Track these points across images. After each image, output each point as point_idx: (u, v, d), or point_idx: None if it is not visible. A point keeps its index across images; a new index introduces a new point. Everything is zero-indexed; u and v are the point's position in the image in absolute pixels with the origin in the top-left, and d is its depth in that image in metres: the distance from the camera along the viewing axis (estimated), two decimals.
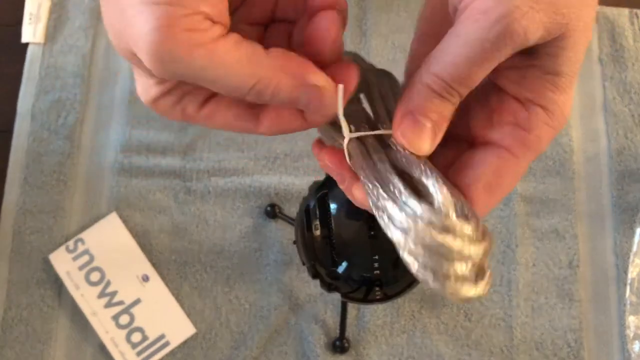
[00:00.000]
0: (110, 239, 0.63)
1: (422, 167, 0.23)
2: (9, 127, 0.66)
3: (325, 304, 0.62)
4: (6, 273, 0.62)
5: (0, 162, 0.65)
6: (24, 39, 0.68)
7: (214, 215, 0.64)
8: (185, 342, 0.61)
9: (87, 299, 0.61)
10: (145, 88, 0.24)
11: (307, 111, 0.24)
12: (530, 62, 0.22)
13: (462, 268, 0.21)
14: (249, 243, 0.64)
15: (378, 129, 0.25)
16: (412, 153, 0.23)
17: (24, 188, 0.64)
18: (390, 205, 0.22)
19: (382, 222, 0.23)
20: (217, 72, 0.21)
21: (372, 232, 0.43)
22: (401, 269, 0.44)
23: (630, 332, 0.61)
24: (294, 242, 0.47)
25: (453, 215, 0.21)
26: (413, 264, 0.22)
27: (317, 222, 0.43)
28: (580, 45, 0.22)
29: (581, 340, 0.61)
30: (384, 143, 0.24)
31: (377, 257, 0.42)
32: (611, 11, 0.70)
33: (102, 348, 0.61)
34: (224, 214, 0.64)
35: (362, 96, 0.27)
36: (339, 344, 0.60)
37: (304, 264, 0.45)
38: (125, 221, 0.64)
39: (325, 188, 0.44)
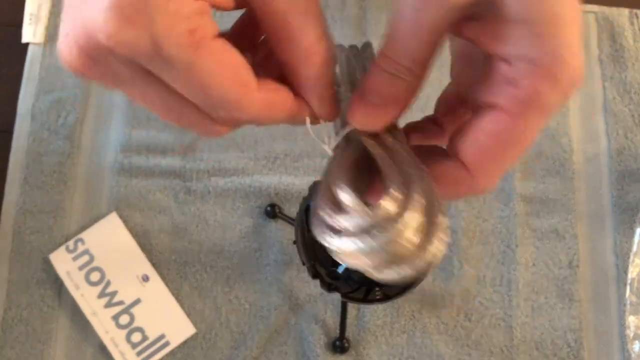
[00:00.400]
0: (110, 239, 0.63)
1: (372, 150, 0.24)
2: (9, 127, 0.66)
3: (325, 304, 0.62)
4: (6, 273, 0.62)
5: (0, 162, 0.65)
6: (24, 39, 0.69)
7: (214, 215, 0.64)
8: (185, 342, 0.61)
9: (87, 299, 0.61)
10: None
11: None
12: (499, 18, 0.21)
13: (407, 244, 0.21)
14: (249, 243, 0.64)
15: None
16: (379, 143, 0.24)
17: (24, 188, 0.64)
18: (330, 239, 0.23)
19: (337, 259, 0.23)
20: (195, 68, 0.19)
21: None
22: None
23: (630, 332, 0.61)
24: (294, 242, 0.47)
25: (365, 212, 0.21)
26: (372, 273, 0.22)
27: None
28: None
29: (581, 340, 0.61)
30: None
31: None
32: (611, 11, 0.70)
33: (102, 348, 0.61)
34: (224, 214, 0.64)
35: None
36: (339, 344, 0.60)
37: (304, 264, 0.45)
38: (125, 221, 0.64)
39: None
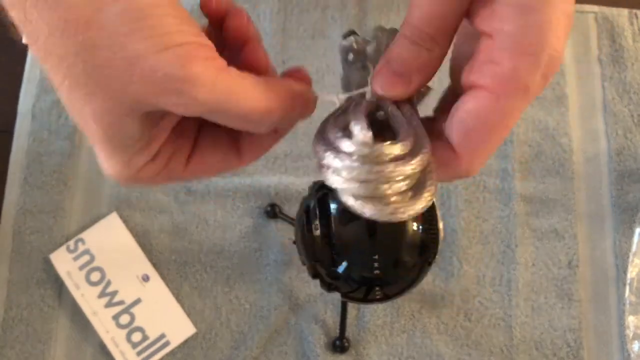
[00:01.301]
0: (110, 239, 0.63)
1: (391, 110, 0.25)
2: (10, 128, 0.66)
3: (325, 304, 0.62)
4: (6, 273, 0.62)
5: (1, 163, 0.65)
6: (24, 40, 0.68)
7: (214, 216, 0.64)
8: (185, 342, 0.61)
9: (87, 298, 0.61)
10: (124, 162, 0.24)
11: (289, 124, 0.27)
12: None
13: (396, 187, 0.22)
14: (249, 243, 0.64)
15: None
16: (394, 102, 0.25)
17: (24, 188, 0.64)
18: (328, 155, 0.23)
19: (325, 178, 0.24)
20: (238, 95, 0.22)
21: (372, 232, 0.43)
22: (401, 269, 0.44)
23: (629, 332, 0.61)
24: (294, 242, 0.47)
25: (376, 144, 0.22)
26: (351, 201, 0.23)
27: (317, 222, 0.43)
28: None
29: (581, 340, 0.61)
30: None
31: (377, 256, 0.42)
32: (610, 11, 0.71)
33: (102, 348, 0.61)
34: (224, 214, 0.64)
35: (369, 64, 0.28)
36: (339, 344, 0.60)
37: (304, 264, 0.45)
38: (125, 221, 0.64)
39: (325, 188, 0.44)
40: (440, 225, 0.44)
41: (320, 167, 0.24)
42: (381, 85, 0.24)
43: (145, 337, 0.61)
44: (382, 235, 0.43)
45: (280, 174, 0.65)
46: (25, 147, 0.66)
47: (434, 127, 0.25)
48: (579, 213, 0.65)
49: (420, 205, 0.23)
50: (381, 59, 0.25)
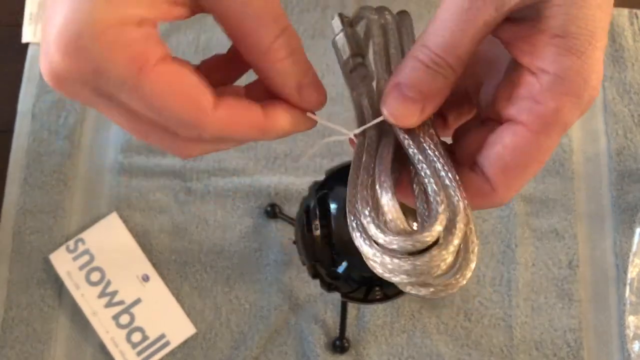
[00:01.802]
0: (110, 239, 0.63)
1: (416, 153, 0.23)
2: (10, 127, 0.66)
3: (325, 304, 0.62)
4: (6, 273, 0.62)
5: (1, 162, 0.65)
6: (24, 39, 0.69)
7: (214, 216, 0.64)
8: (185, 342, 0.61)
9: (87, 298, 0.61)
10: (100, 4, 0.19)
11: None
12: (537, 28, 0.21)
13: (442, 269, 0.21)
14: (249, 243, 0.64)
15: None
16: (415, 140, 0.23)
17: (24, 188, 0.64)
18: (357, 237, 0.22)
19: (365, 259, 0.22)
20: (142, 92, 0.20)
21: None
22: None
23: (629, 332, 0.61)
24: (294, 242, 0.47)
25: (410, 234, 0.21)
26: (404, 287, 0.22)
27: (317, 222, 0.43)
28: (588, 1, 0.20)
29: (581, 340, 0.61)
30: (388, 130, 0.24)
31: None
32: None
33: (102, 348, 0.61)
34: (224, 214, 0.64)
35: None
36: (339, 344, 0.60)
37: (304, 264, 0.45)
38: (125, 221, 0.64)
39: (325, 188, 0.44)
40: None
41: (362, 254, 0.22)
42: (393, 112, 0.23)
43: (145, 337, 0.61)
44: None
45: (280, 174, 0.65)
46: (25, 147, 0.66)
47: (458, 154, 0.24)
48: (579, 213, 0.65)
49: (469, 273, 0.22)
50: (389, 81, 0.23)
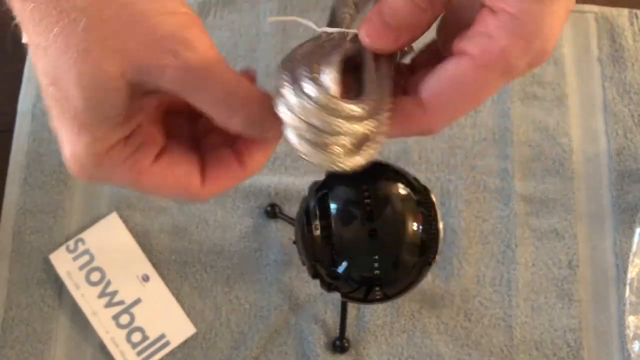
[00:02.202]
0: (110, 239, 0.63)
1: (368, 62, 0.25)
2: (10, 127, 0.66)
3: (325, 304, 0.62)
4: (6, 273, 0.62)
5: (1, 162, 0.65)
6: (24, 39, 0.68)
7: (214, 216, 0.64)
8: (185, 342, 0.61)
9: (87, 298, 0.61)
10: (96, 138, 0.24)
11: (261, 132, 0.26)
12: None
13: (340, 142, 0.23)
14: (249, 243, 0.64)
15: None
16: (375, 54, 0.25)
17: (24, 188, 0.64)
18: (287, 90, 0.24)
19: (275, 105, 0.24)
20: (225, 71, 0.23)
21: (372, 232, 0.43)
22: (401, 269, 0.44)
23: (629, 332, 0.61)
24: (294, 242, 0.47)
25: (339, 99, 0.23)
26: (293, 138, 0.23)
27: (317, 222, 0.43)
28: None
29: (581, 340, 0.61)
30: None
31: (377, 257, 0.43)
32: (610, 11, 0.71)
33: (102, 348, 0.61)
34: (224, 214, 0.64)
35: None
36: (339, 344, 0.60)
37: (304, 264, 0.45)
38: (125, 221, 0.64)
39: (325, 188, 0.44)
40: (440, 225, 0.44)
41: (276, 93, 0.24)
42: (369, 34, 0.24)
43: (145, 337, 0.61)
44: (382, 235, 0.43)
45: (280, 174, 0.65)
46: (25, 147, 0.66)
47: (407, 80, 0.26)
48: (579, 213, 0.65)
49: (359, 161, 0.23)
50: (373, 7, 0.24)
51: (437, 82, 0.23)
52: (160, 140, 0.26)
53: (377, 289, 0.43)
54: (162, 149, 0.26)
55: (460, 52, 0.23)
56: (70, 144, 0.24)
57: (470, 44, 0.23)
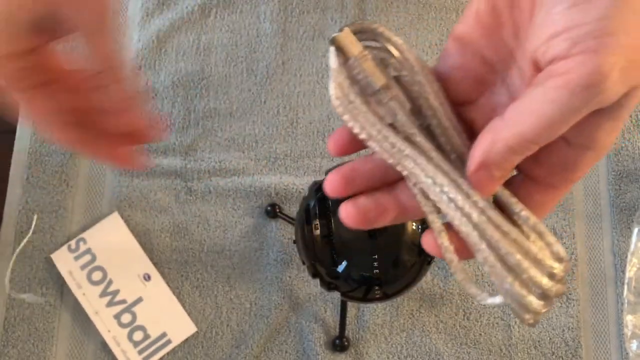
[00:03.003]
0: (111, 239, 0.64)
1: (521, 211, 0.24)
2: (12, 128, 0.67)
3: (325, 303, 0.62)
4: (8, 272, 0.62)
5: (3, 162, 0.66)
6: None
7: (215, 215, 0.65)
8: (186, 341, 0.61)
9: (89, 298, 0.62)
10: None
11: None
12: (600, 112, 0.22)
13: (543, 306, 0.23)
14: (249, 242, 0.64)
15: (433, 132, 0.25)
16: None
17: (26, 188, 0.65)
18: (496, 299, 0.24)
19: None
20: None
21: (372, 232, 0.43)
22: (401, 268, 0.44)
23: (627, 331, 0.61)
24: (294, 242, 0.47)
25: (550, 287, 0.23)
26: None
27: (317, 222, 0.44)
28: None
29: (579, 339, 0.62)
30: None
31: (376, 256, 0.43)
32: None
33: (103, 346, 0.61)
34: (224, 214, 0.65)
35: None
36: (339, 343, 0.60)
37: (304, 263, 0.46)
38: (126, 221, 0.64)
39: None
40: None
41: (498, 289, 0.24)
42: (480, 185, 0.24)
43: (146, 336, 0.61)
44: (381, 235, 0.43)
45: (280, 174, 0.66)
46: (27, 147, 0.66)
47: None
48: (577, 212, 0.65)
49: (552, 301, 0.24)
50: (475, 152, 0.23)
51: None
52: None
53: (376, 288, 0.44)
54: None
55: (539, 180, 0.25)
56: None
57: (551, 175, 0.24)
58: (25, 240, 0.63)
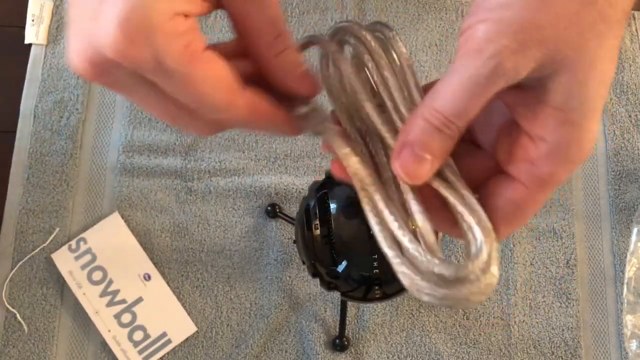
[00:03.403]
0: (112, 239, 0.64)
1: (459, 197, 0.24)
2: (12, 128, 0.67)
3: (325, 303, 0.62)
4: (9, 272, 0.63)
5: (3, 163, 0.66)
6: (26, 40, 0.69)
7: (215, 215, 0.65)
8: (186, 341, 0.62)
9: (89, 297, 0.62)
10: (149, 3, 0.21)
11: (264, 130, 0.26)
12: (540, 99, 0.23)
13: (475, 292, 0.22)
14: (249, 242, 0.64)
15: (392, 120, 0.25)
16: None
17: (27, 188, 0.65)
18: (401, 266, 0.23)
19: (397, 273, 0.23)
20: (191, 78, 0.22)
21: (372, 232, 0.43)
22: None
23: (627, 331, 0.61)
24: (294, 242, 0.47)
25: (476, 265, 0.22)
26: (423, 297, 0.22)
27: (317, 222, 0.44)
28: (591, 80, 0.22)
29: (578, 339, 0.62)
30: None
31: (376, 256, 0.43)
32: None
33: (104, 346, 0.61)
34: (224, 214, 0.65)
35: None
36: (339, 343, 0.61)
37: (304, 263, 0.46)
38: (127, 221, 0.64)
39: (325, 188, 0.45)
40: None
41: (391, 262, 0.23)
42: (406, 169, 0.24)
43: (146, 336, 0.61)
44: None
45: (280, 174, 0.66)
46: (28, 147, 0.66)
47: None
48: (576, 213, 0.66)
49: (485, 290, 0.22)
50: (399, 137, 0.24)
51: (497, 209, 0.24)
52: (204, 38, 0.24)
53: (376, 287, 0.44)
54: (209, 46, 0.24)
55: (511, 177, 0.24)
56: (121, 4, 0.20)
57: (517, 171, 0.24)
58: (28, 257, 0.63)
